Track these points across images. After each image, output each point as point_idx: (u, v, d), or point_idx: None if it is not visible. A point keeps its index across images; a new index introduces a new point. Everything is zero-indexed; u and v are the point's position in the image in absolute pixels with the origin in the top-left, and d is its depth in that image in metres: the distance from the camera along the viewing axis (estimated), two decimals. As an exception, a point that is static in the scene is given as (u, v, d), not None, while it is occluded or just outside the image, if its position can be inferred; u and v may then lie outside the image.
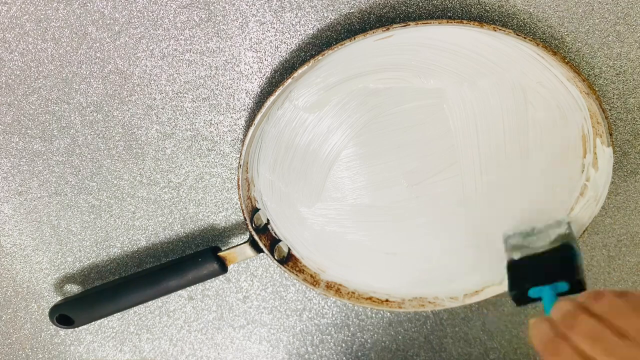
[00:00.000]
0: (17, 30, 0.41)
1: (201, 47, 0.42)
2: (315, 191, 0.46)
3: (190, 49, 0.42)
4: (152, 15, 0.40)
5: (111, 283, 0.48)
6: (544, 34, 0.42)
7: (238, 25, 0.41)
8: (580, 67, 0.43)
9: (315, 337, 0.54)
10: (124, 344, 0.54)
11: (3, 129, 0.44)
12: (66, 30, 0.41)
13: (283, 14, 0.41)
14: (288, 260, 0.48)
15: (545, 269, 0.39)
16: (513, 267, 0.41)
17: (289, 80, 0.37)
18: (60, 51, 0.41)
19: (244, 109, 0.44)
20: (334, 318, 0.53)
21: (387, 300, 0.50)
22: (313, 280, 0.48)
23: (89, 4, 0.40)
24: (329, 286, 0.49)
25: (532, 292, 0.38)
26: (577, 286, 0.37)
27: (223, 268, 0.46)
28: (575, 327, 0.29)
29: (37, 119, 0.44)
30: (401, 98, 0.43)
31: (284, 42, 0.42)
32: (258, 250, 0.46)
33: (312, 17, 0.41)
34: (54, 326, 0.48)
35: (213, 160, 0.46)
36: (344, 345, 0.54)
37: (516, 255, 0.41)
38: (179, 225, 0.49)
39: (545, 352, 0.30)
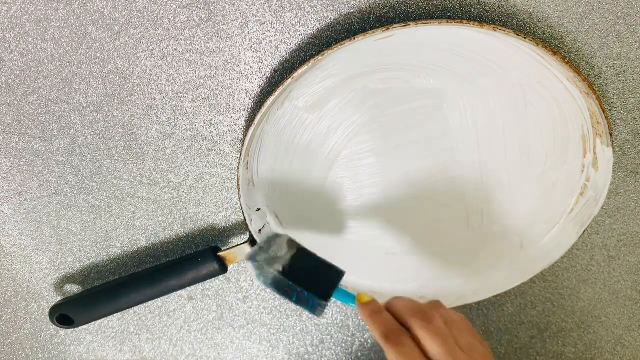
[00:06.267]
0: (17, 30, 0.41)
1: (201, 47, 0.42)
2: (315, 191, 0.46)
3: (190, 49, 0.42)
4: (152, 15, 0.40)
5: (111, 283, 0.48)
6: (544, 34, 0.42)
7: (238, 25, 0.41)
8: (580, 67, 0.43)
9: (315, 337, 0.54)
10: (124, 344, 0.54)
11: (3, 129, 0.44)
12: (66, 30, 0.41)
13: (283, 14, 0.41)
14: (288, 260, 0.48)
15: (316, 270, 0.39)
16: (292, 278, 0.39)
17: (289, 80, 0.37)
18: (60, 51, 0.41)
19: (244, 109, 0.44)
20: (334, 318, 0.53)
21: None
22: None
23: (89, 4, 0.40)
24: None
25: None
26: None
27: (223, 268, 0.46)
28: (430, 323, 0.32)
29: (37, 119, 0.44)
30: (401, 98, 0.43)
31: (284, 42, 0.42)
32: (258, 250, 0.46)
33: (312, 17, 0.41)
34: (54, 326, 0.48)
35: (213, 160, 0.46)
36: (344, 345, 0.54)
37: (277, 268, 0.39)
38: (179, 225, 0.49)
39: (387, 341, 0.32)
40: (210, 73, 0.43)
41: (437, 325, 0.33)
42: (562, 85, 0.40)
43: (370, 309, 0.35)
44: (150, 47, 0.41)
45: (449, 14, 0.41)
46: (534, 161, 0.45)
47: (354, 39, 0.36)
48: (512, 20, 0.41)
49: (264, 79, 0.43)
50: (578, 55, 0.43)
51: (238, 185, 0.42)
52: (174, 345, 0.54)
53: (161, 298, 0.49)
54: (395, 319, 0.34)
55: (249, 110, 0.44)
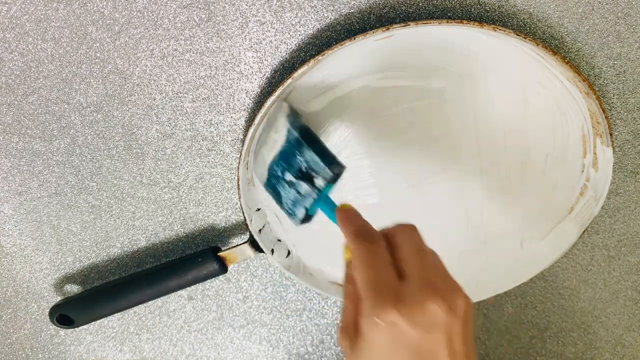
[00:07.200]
0: (17, 30, 0.41)
1: (201, 47, 0.42)
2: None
3: (190, 49, 0.42)
4: (152, 15, 0.40)
5: (111, 283, 0.48)
6: (544, 34, 0.42)
7: (238, 25, 0.41)
8: (580, 67, 0.43)
9: (315, 337, 0.54)
10: (124, 344, 0.54)
11: (3, 129, 0.44)
12: (66, 30, 0.41)
13: (283, 14, 0.41)
14: (288, 260, 0.48)
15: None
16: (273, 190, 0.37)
17: (289, 80, 0.37)
18: (60, 51, 0.41)
19: (244, 109, 0.44)
20: (334, 318, 0.53)
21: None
22: (313, 280, 0.48)
23: (89, 4, 0.40)
24: (329, 286, 0.49)
25: (311, 211, 0.36)
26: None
27: (223, 268, 0.46)
28: (414, 236, 0.30)
29: (37, 119, 0.44)
30: (401, 98, 0.43)
31: (284, 42, 0.42)
32: (258, 250, 0.46)
33: (312, 17, 0.41)
34: (54, 326, 0.48)
35: (213, 160, 0.46)
36: (344, 345, 0.54)
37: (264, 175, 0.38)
38: (179, 225, 0.49)
39: (357, 238, 0.30)
40: (210, 73, 0.43)
41: (420, 242, 0.30)
42: (562, 85, 0.40)
43: (347, 210, 0.33)
44: (150, 47, 0.41)
45: (449, 14, 0.41)
46: (534, 161, 0.45)
47: (354, 39, 0.36)
48: (512, 20, 0.41)
49: (264, 79, 0.43)
50: (578, 55, 0.43)
51: (238, 185, 0.42)
52: (174, 345, 0.54)
53: (161, 298, 0.49)
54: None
55: (249, 110, 0.44)
